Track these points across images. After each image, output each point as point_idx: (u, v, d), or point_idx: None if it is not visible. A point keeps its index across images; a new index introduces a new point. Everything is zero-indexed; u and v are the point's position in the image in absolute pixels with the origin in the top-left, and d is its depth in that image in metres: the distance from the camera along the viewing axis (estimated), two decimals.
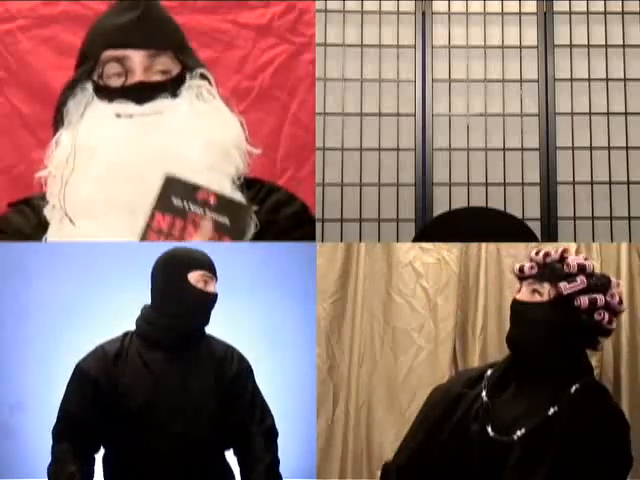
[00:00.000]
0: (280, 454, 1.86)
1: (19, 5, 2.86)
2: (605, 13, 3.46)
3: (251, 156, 1.91)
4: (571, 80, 3.43)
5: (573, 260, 1.63)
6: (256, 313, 2.59)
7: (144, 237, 1.70)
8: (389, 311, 2.62)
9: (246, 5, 2.93)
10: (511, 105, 3.44)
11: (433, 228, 2.78)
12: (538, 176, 3.39)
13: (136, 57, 1.83)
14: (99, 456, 1.83)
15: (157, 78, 1.85)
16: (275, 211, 1.94)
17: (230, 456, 1.89)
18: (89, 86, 1.86)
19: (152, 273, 1.85)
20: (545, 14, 3.46)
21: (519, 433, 1.56)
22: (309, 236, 2.01)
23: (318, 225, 3.27)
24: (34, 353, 2.54)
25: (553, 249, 1.67)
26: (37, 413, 2.46)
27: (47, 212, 1.83)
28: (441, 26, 3.49)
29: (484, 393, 1.66)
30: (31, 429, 2.48)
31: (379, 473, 1.78)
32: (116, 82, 1.84)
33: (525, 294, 1.64)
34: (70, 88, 1.88)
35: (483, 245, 2.59)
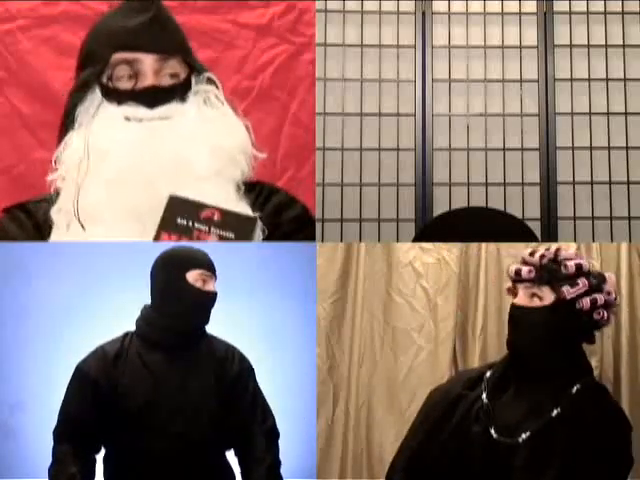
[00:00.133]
0: (280, 454, 1.86)
1: (19, 5, 2.86)
2: (605, 13, 3.46)
3: (256, 160, 1.91)
4: (571, 80, 3.43)
5: (570, 261, 1.61)
6: (256, 313, 2.59)
7: None
8: (389, 311, 2.61)
9: (246, 5, 2.93)
10: (511, 105, 3.45)
11: (433, 228, 2.78)
12: (538, 176, 3.39)
13: (147, 60, 1.81)
14: (99, 456, 1.83)
15: (167, 82, 1.84)
16: (277, 214, 1.94)
17: (230, 456, 1.89)
18: (97, 89, 1.84)
19: (151, 273, 1.85)
20: (545, 14, 3.46)
21: (524, 436, 1.56)
22: (309, 236, 2.01)
23: (318, 225, 3.27)
24: (34, 353, 2.54)
25: (546, 249, 1.65)
26: (37, 413, 2.46)
27: (53, 214, 1.82)
28: (441, 26, 3.49)
29: (484, 395, 1.66)
30: (31, 429, 2.48)
31: (379, 473, 1.78)
32: (126, 85, 1.82)
33: (523, 298, 1.62)
34: (79, 90, 1.86)
35: (483, 245, 2.59)
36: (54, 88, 2.77)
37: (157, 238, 1.67)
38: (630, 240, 3.29)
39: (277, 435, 1.88)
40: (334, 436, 2.56)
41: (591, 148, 3.40)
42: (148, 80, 1.82)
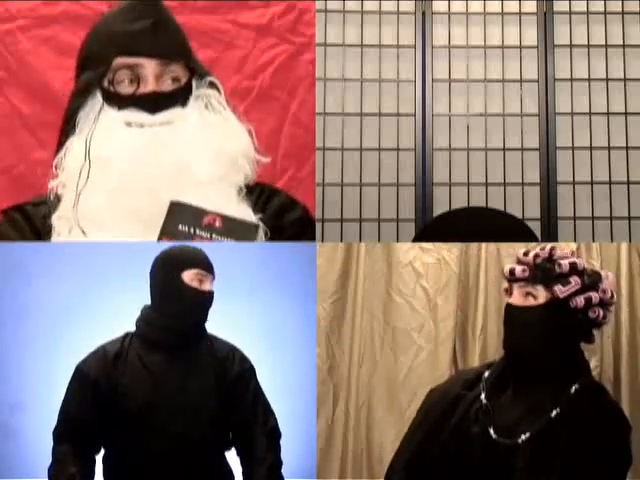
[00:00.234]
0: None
1: (19, 5, 2.86)
2: (605, 13, 3.46)
3: (259, 164, 1.90)
4: (571, 80, 3.43)
5: (564, 260, 1.61)
6: (256, 313, 2.59)
7: None
8: (389, 311, 2.61)
9: (246, 5, 2.93)
10: (511, 105, 3.45)
11: (433, 228, 2.78)
12: (538, 176, 3.39)
13: (149, 65, 1.80)
14: (99, 456, 1.83)
15: (168, 86, 1.82)
16: (279, 217, 1.94)
17: (231, 456, 1.89)
18: (98, 93, 1.83)
19: (150, 273, 1.86)
20: (545, 14, 3.46)
21: (524, 437, 1.56)
22: (309, 236, 2.01)
23: (318, 225, 3.27)
24: (34, 353, 2.54)
25: (540, 248, 1.65)
26: (37, 413, 2.46)
27: (54, 221, 1.81)
28: (441, 26, 3.49)
29: (483, 395, 1.65)
30: (31, 429, 2.48)
31: (379, 473, 1.78)
32: (127, 89, 1.81)
33: (518, 298, 1.62)
34: (79, 94, 1.84)
35: (483, 245, 2.59)
36: (54, 88, 2.77)
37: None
38: (630, 240, 3.29)
39: (279, 435, 1.88)
40: (334, 436, 2.56)
41: (591, 148, 3.40)
42: (149, 85, 1.80)
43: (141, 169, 1.74)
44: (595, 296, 1.58)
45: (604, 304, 1.60)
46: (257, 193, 1.94)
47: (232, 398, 1.85)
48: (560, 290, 1.57)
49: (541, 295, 1.59)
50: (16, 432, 2.55)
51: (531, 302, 1.60)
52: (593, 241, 3.27)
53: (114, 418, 1.78)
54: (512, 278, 1.64)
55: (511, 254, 2.52)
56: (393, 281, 2.62)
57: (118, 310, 2.17)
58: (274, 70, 2.92)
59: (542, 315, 1.59)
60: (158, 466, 1.77)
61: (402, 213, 3.40)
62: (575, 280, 1.58)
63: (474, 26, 3.49)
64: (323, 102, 3.39)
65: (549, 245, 1.66)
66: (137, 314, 1.88)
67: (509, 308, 1.64)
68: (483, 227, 2.60)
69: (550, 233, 3.32)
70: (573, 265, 1.60)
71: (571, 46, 3.46)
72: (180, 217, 1.66)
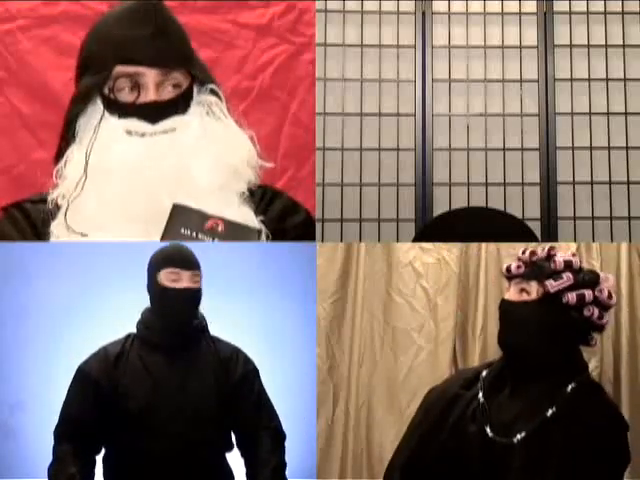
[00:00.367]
0: None
1: (19, 5, 2.86)
2: (605, 13, 3.46)
3: (262, 169, 1.88)
4: (571, 80, 3.43)
5: (560, 257, 1.62)
6: (256, 313, 2.59)
7: None
8: (389, 311, 2.62)
9: (246, 5, 2.93)
10: (511, 105, 3.45)
11: (433, 228, 2.78)
12: (538, 176, 3.39)
13: (149, 74, 1.77)
14: (99, 456, 1.84)
15: (169, 93, 1.80)
16: (281, 220, 1.93)
17: (231, 457, 1.89)
18: (99, 100, 1.80)
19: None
20: (545, 14, 3.46)
21: (519, 436, 1.56)
22: (307, 235, 2.01)
23: (318, 225, 3.27)
24: (34, 353, 2.54)
25: (540, 248, 1.66)
26: (37, 413, 2.46)
27: (54, 227, 1.79)
28: (441, 26, 3.49)
29: (481, 394, 1.66)
30: (31, 429, 2.49)
31: (379, 473, 1.78)
32: (127, 97, 1.78)
33: (513, 294, 1.63)
34: (80, 100, 1.81)
35: (483, 245, 2.59)
36: (54, 88, 2.77)
37: None
38: (630, 240, 3.29)
39: (283, 437, 1.88)
40: (334, 436, 2.56)
41: (591, 148, 3.40)
42: (150, 95, 1.77)
43: (142, 178, 1.73)
44: (589, 294, 1.58)
45: (600, 304, 1.59)
46: (259, 195, 1.92)
47: (236, 399, 1.85)
48: (551, 285, 1.57)
49: (534, 291, 1.60)
50: (16, 432, 2.55)
51: (524, 297, 1.61)
52: (593, 241, 3.27)
53: (114, 418, 1.78)
54: (508, 275, 1.65)
55: (511, 254, 2.53)
56: (393, 281, 2.62)
57: (118, 310, 2.18)
58: (274, 70, 2.92)
59: (534, 310, 1.59)
60: (158, 466, 1.78)
61: (402, 213, 3.40)
62: (567, 276, 1.58)
63: (474, 26, 3.49)
64: (323, 102, 3.39)
65: (549, 245, 1.67)
66: (137, 314, 1.88)
67: (503, 303, 1.65)
68: (483, 227, 2.60)
69: (550, 233, 3.32)
70: (568, 263, 1.61)
71: (571, 46, 3.46)
72: (182, 220, 1.66)
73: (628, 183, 3.39)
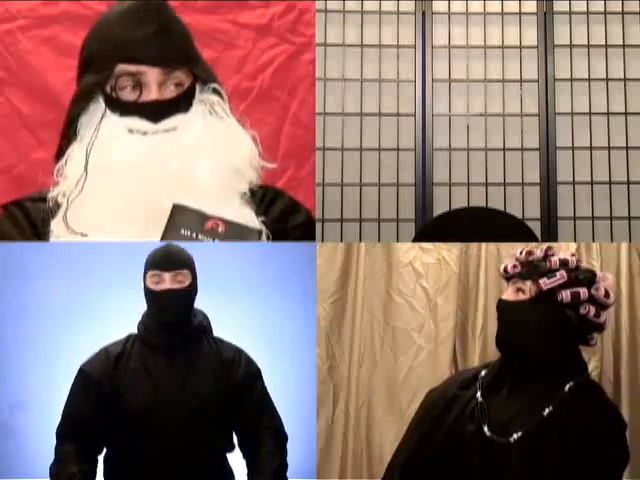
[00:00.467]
0: None
1: (19, 5, 2.86)
2: (605, 13, 3.46)
3: (264, 170, 1.88)
4: (571, 80, 3.43)
5: (555, 256, 1.62)
6: (256, 313, 2.59)
7: None
8: (389, 311, 2.62)
9: (246, 5, 2.93)
10: (511, 105, 3.45)
11: (433, 228, 2.78)
12: (538, 176, 3.39)
13: (151, 73, 1.76)
14: (100, 457, 1.84)
15: (171, 92, 1.79)
16: (282, 221, 1.92)
17: (232, 458, 1.89)
18: (101, 98, 1.80)
19: None
20: (545, 14, 3.46)
21: (516, 436, 1.56)
22: (308, 236, 2.00)
23: (318, 225, 3.27)
24: (34, 353, 2.54)
25: (537, 248, 1.66)
26: (37, 413, 2.46)
27: (54, 225, 1.79)
28: (441, 26, 3.49)
29: (479, 394, 1.66)
30: (31, 429, 2.49)
31: (379, 473, 1.78)
32: (129, 96, 1.78)
33: (510, 293, 1.64)
34: (81, 98, 1.81)
35: (483, 245, 2.59)
36: (54, 88, 2.77)
37: None
38: (630, 240, 3.29)
39: (285, 438, 1.88)
40: (334, 436, 2.56)
41: (591, 148, 3.40)
42: (152, 94, 1.77)
43: (143, 177, 1.73)
44: (584, 292, 1.57)
45: (597, 302, 1.59)
46: (260, 195, 1.92)
47: (237, 400, 1.85)
48: (544, 282, 1.57)
49: (530, 290, 1.60)
50: (16, 432, 2.55)
51: (520, 297, 1.61)
52: (593, 241, 3.27)
53: (115, 418, 1.79)
54: (505, 275, 1.66)
55: (511, 254, 2.50)
56: (393, 281, 2.62)
57: (118, 310, 2.18)
58: (274, 70, 2.92)
59: (530, 309, 1.59)
60: (158, 466, 1.78)
61: (402, 213, 3.40)
62: (561, 274, 1.58)
63: (474, 26, 3.49)
64: (323, 102, 3.39)
65: (546, 244, 1.67)
66: (137, 314, 1.88)
67: (500, 303, 1.65)
68: (483, 227, 2.60)
69: (550, 233, 3.32)
70: (563, 261, 1.61)
71: (571, 46, 3.46)
72: (182, 221, 1.66)
73: (628, 183, 3.39)
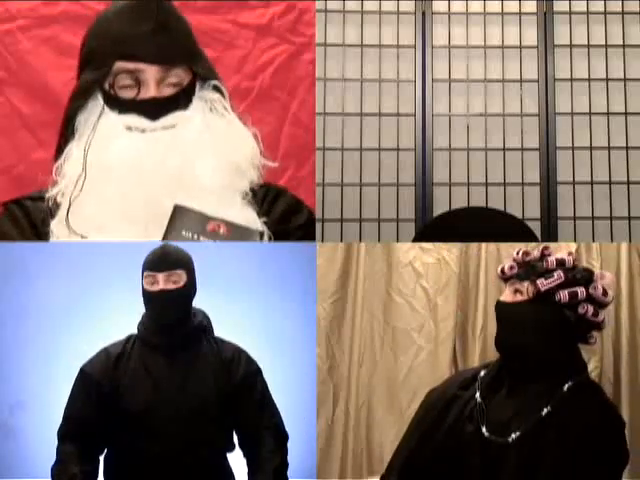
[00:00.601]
0: None
1: (19, 5, 2.86)
2: (605, 13, 3.46)
3: (265, 168, 1.87)
4: (571, 80, 3.43)
5: (552, 256, 1.62)
6: (256, 313, 2.59)
7: None
8: (389, 311, 2.62)
9: (246, 5, 2.93)
10: (511, 105, 3.45)
11: (433, 228, 2.78)
12: (538, 176, 3.39)
13: (150, 71, 1.76)
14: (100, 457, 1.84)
15: (170, 90, 1.78)
16: (284, 221, 1.91)
17: (232, 458, 1.89)
18: (99, 95, 1.80)
19: None
20: (545, 14, 3.46)
21: (514, 436, 1.56)
22: (309, 236, 2.00)
23: (318, 225, 3.27)
24: (34, 353, 2.54)
25: (534, 248, 1.66)
26: (37, 413, 2.46)
27: (53, 226, 1.79)
28: (441, 26, 3.49)
29: (478, 394, 1.66)
30: (31, 429, 2.49)
31: (379, 473, 1.78)
32: (127, 93, 1.77)
33: (508, 295, 1.64)
34: (80, 95, 1.80)
35: (483, 245, 2.60)
36: (54, 88, 2.77)
37: None
38: (630, 240, 3.29)
39: (286, 438, 1.88)
40: (334, 436, 2.56)
41: (591, 148, 3.40)
42: (150, 91, 1.76)
43: (142, 175, 1.72)
44: (582, 291, 1.57)
45: (595, 301, 1.59)
46: (262, 194, 1.91)
47: (238, 400, 1.85)
48: (542, 283, 1.57)
49: (527, 291, 1.60)
50: (16, 432, 2.55)
51: (518, 298, 1.61)
52: (593, 241, 3.27)
53: (115, 419, 1.79)
54: (503, 276, 1.65)
55: (511, 254, 2.52)
56: (393, 281, 2.62)
57: (118, 310, 2.18)
58: (274, 70, 2.92)
59: (528, 310, 1.59)
60: (158, 466, 1.78)
61: (402, 213, 3.40)
62: (558, 274, 1.58)
63: (474, 26, 3.49)
64: (323, 102, 3.39)
65: (543, 244, 1.67)
66: (137, 314, 1.88)
67: (498, 305, 1.65)
68: (483, 227, 2.60)
69: (550, 233, 3.32)
70: (560, 261, 1.61)
71: (571, 46, 3.46)
72: (184, 222, 1.65)
73: (628, 183, 3.39)
